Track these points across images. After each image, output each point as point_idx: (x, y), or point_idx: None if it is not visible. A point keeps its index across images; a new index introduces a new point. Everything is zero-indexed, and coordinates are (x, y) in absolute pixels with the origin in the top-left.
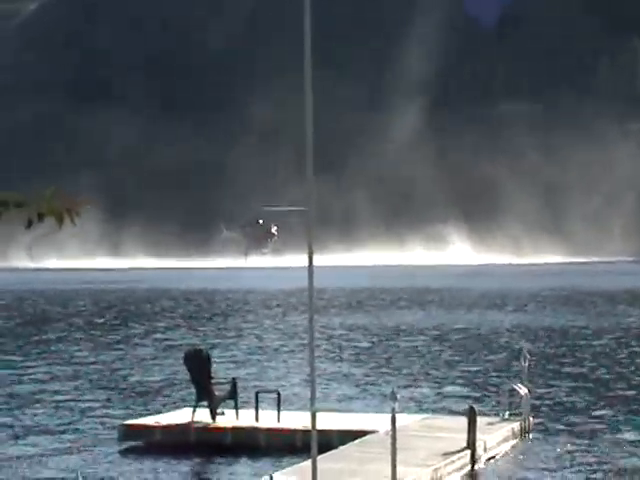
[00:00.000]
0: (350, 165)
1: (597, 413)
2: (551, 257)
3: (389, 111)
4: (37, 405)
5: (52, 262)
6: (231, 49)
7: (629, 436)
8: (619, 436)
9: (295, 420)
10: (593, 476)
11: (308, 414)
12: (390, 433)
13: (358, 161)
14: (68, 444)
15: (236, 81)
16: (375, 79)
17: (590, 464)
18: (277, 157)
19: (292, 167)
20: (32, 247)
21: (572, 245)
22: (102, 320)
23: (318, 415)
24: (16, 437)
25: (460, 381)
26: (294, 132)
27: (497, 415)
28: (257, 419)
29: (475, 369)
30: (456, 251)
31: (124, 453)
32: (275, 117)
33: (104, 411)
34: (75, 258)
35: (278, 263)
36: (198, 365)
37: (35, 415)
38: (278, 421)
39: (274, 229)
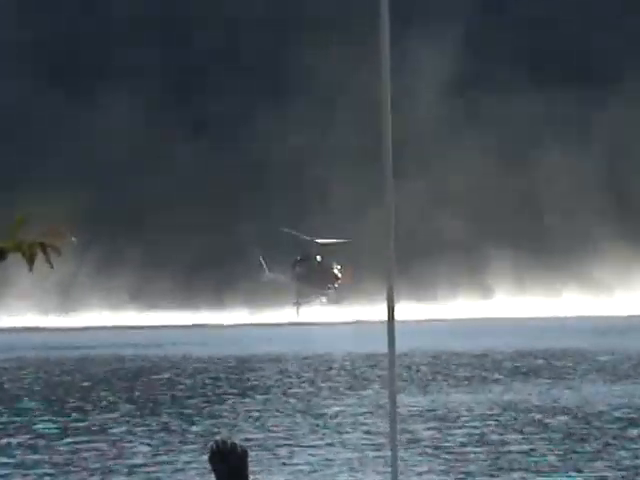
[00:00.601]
0: (429, 170)
1: None
2: None
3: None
4: None
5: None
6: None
7: None
8: None
9: None
10: None
11: None
12: None
13: (439, 164)
14: None
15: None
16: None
17: None
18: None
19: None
20: None
21: None
22: (84, 399)
23: None
24: None
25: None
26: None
27: None
28: None
29: (627, 463)
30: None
31: None
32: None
33: None
34: (43, 313)
35: (340, 317)
36: (229, 466)
37: None
38: None
39: (337, 268)
